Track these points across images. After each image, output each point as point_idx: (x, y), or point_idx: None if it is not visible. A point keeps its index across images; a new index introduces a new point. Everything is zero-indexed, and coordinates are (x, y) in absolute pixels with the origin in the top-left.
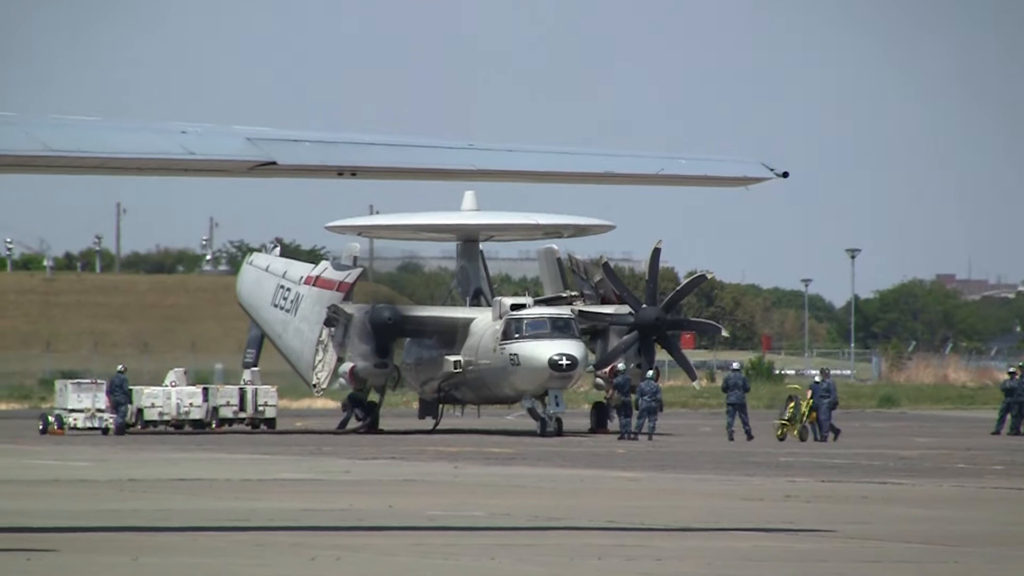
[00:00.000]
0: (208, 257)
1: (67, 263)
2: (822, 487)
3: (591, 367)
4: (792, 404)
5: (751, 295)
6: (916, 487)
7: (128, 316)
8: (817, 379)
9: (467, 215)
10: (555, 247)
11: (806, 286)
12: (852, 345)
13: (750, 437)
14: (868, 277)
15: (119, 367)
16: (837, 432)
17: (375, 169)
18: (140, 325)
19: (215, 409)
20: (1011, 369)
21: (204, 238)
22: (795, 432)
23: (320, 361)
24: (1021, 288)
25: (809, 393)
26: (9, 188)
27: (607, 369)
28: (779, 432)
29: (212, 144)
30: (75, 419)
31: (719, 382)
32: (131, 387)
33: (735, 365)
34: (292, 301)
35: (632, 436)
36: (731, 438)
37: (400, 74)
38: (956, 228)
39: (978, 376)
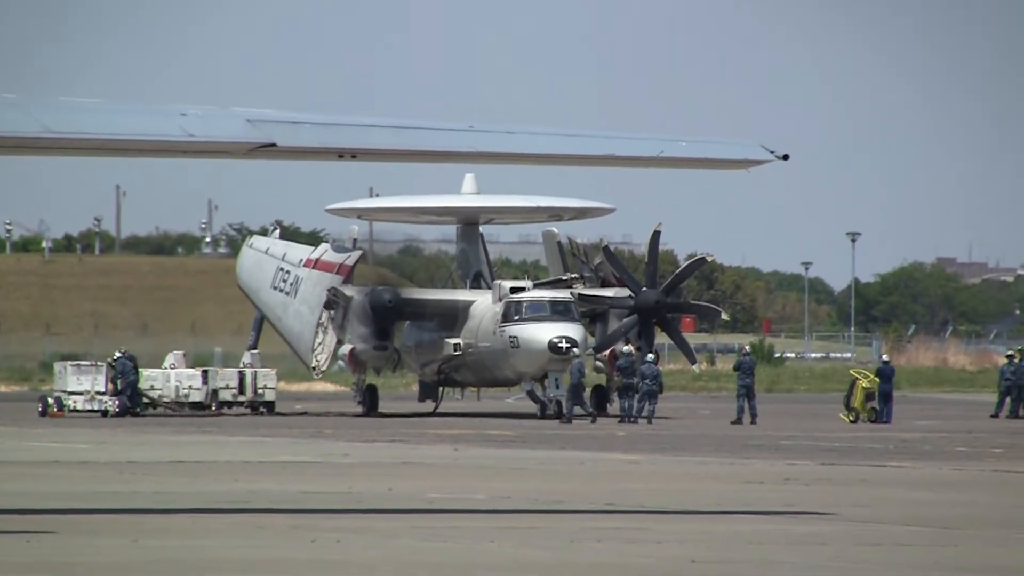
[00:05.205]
0: (207, 239)
1: (66, 245)
2: (822, 470)
3: (591, 350)
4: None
5: (751, 278)
6: (916, 470)
7: (128, 298)
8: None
9: (467, 198)
10: (555, 230)
11: (806, 269)
12: (852, 328)
13: (754, 421)
14: (868, 260)
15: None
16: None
17: (375, 151)
18: (140, 307)
19: (214, 392)
20: (1009, 352)
21: (203, 221)
22: (851, 418)
23: (320, 344)
24: (1021, 271)
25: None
26: (9, 169)
27: (607, 352)
28: (850, 417)
29: (212, 126)
30: (75, 401)
31: (719, 365)
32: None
33: (747, 348)
34: (292, 284)
35: (632, 419)
36: (739, 421)
37: (401, 56)
38: (956, 211)
39: (977, 359)
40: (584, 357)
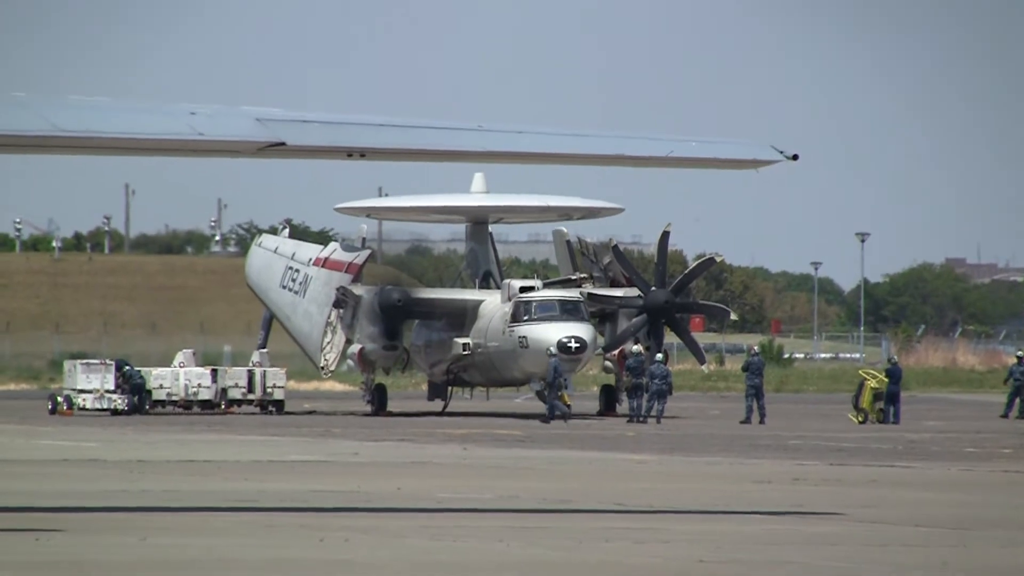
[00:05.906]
0: (217, 238)
1: (76, 244)
2: (831, 470)
3: (600, 350)
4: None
5: (760, 278)
6: (925, 470)
7: (137, 297)
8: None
9: (476, 197)
10: (565, 229)
11: (816, 269)
12: (862, 329)
13: (763, 420)
14: (878, 261)
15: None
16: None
17: (384, 151)
18: (149, 306)
19: (224, 390)
20: (1019, 352)
21: (212, 220)
22: (860, 418)
23: (328, 343)
24: None
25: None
26: (19, 168)
27: (616, 352)
28: (859, 418)
29: (221, 125)
30: (84, 400)
31: (728, 365)
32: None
33: (756, 348)
34: (301, 283)
35: (641, 419)
36: (748, 421)
37: (410, 56)
38: (965, 212)
39: (986, 360)
40: (593, 356)
